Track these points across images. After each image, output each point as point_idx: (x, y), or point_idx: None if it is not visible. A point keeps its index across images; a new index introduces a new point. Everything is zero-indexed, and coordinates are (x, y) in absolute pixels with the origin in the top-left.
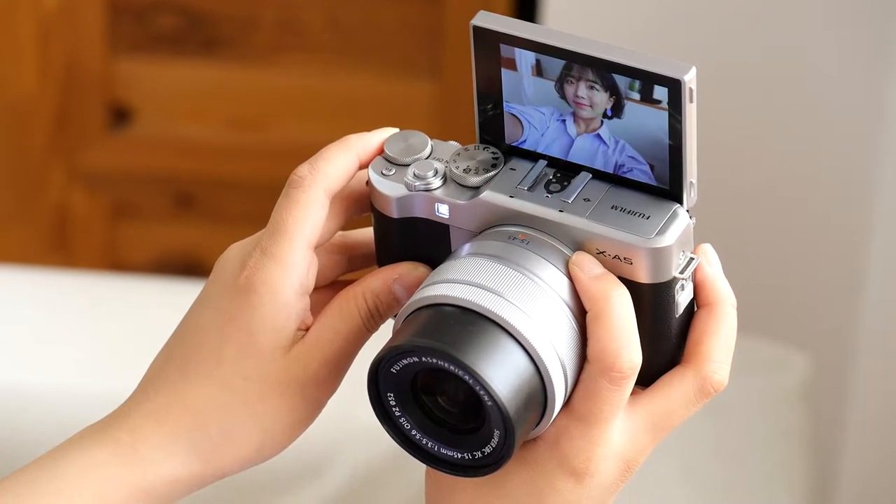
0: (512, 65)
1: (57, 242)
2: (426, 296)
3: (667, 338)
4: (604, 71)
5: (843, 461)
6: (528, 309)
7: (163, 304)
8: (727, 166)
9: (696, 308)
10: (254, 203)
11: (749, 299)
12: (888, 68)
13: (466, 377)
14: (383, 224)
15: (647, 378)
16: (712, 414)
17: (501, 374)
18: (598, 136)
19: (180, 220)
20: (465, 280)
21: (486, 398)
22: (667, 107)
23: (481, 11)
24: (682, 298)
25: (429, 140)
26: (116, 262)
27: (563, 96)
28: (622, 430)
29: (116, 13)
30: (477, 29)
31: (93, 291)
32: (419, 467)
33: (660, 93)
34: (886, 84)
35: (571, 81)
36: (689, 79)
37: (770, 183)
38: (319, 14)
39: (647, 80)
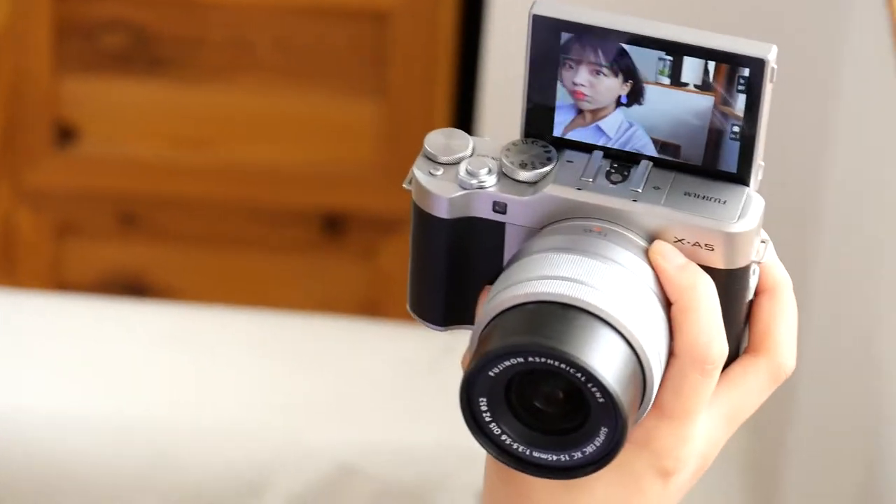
0: (569, 53)
1: (1, 261)
2: (516, 294)
3: (737, 323)
4: (675, 54)
5: None
6: (624, 299)
7: (107, 323)
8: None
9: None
10: (199, 223)
11: None
12: None
13: (579, 375)
14: (431, 226)
15: None
16: None
17: (611, 367)
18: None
19: (125, 239)
20: (551, 275)
21: (597, 394)
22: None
23: (538, 0)
24: (753, 283)
25: (469, 137)
26: (61, 281)
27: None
28: (703, 425)
29: (63, 31)
30: (536, 17)
31: (37, 311)
32: None
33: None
34: None
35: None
36: (772, 57)
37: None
38: (267, 34)
39: (726, 62)
